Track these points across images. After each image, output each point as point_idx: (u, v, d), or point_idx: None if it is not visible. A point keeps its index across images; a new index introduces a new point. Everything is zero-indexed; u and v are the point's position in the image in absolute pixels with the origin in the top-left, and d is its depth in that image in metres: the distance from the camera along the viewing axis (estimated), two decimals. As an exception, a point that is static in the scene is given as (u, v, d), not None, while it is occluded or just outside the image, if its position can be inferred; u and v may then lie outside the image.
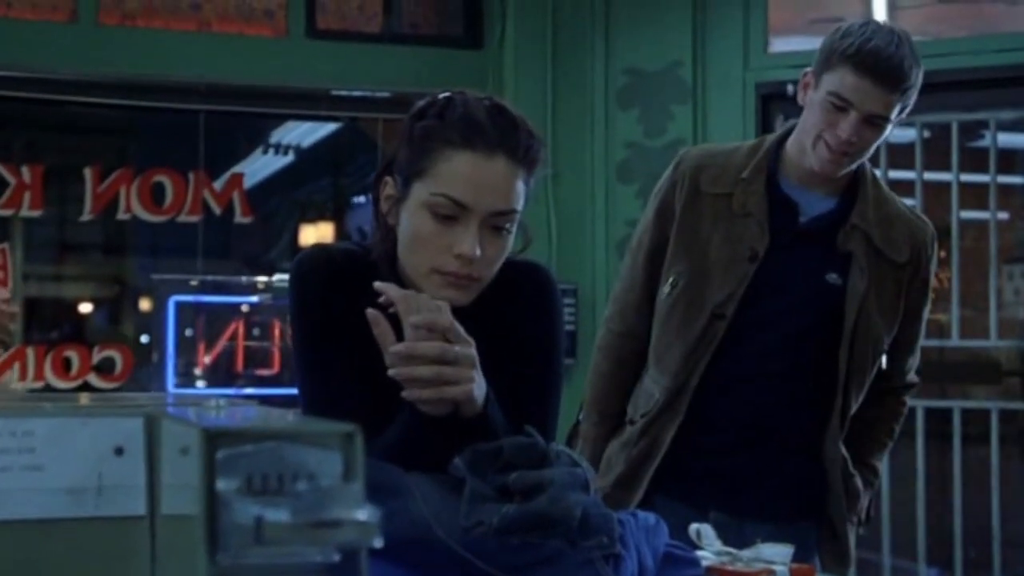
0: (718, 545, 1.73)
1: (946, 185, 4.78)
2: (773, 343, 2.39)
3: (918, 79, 2.31)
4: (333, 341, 1.66)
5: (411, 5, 5.40)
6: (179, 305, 6.04)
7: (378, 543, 0.83)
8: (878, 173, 2.57)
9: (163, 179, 5.19)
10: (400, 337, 1.55)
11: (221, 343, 6.07)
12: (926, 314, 2.54)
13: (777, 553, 1.70)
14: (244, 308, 6.19)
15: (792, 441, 2.42)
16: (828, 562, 2.43)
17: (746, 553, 1.70)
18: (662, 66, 4.96)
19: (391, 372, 1.54)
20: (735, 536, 1.87)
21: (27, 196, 5.02)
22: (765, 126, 4.73)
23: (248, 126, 7.20)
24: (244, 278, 6.48)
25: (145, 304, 7.51)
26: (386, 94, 5.23)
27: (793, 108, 2.57)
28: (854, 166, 2.39)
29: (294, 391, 1.72)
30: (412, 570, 1.39)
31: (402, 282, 1.67)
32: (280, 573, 0.85)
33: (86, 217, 5.24)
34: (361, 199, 7.28)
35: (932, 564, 4.78)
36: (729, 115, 4.85)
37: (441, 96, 1.68)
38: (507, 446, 1.52)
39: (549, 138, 4.53)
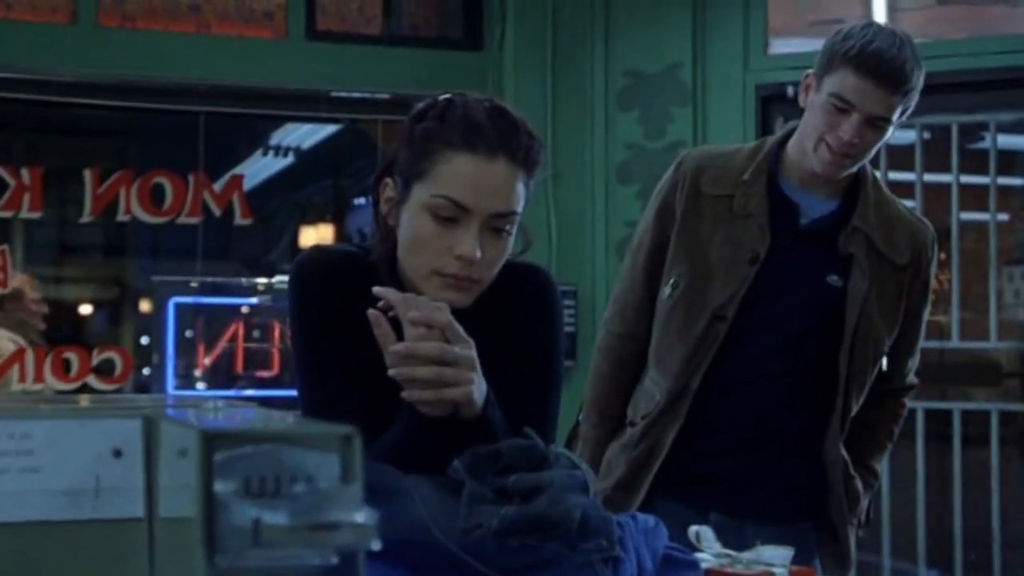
0: (717, 547, 1.73)
1: (946, 187, 4.78)
2: (774, 345, 2.39)
3: (919, 81, 2.31)
4: (332, 343, 1.66)
5: (411, 7, 5.40)
6: (179, 307, 6.04)
7: (376, 545, 0.83)
8: (878, 175, 2.57)
9: (163, 181, 5.18)
10: (401, 339, 1.55)
11: (221, 345, 6.07)
12: (926, 316, 2.54)
13: (777, 555, 1.70)
14: (244, 310, 6.20)
15: (793, 442, 2.42)
16: (829, 564, 2.43)
17: (745, 555, 1.70)
18: (662, 68, 4.96)
19: (391, 372, 1.54)
20: (736, 538, 1.87)
21: (27, 198, 5.01)
22: (765, 128, 4.74)
23: (248, 128, 7.21)
24: (244, 280, 6.49)
25: (145, 306, 7.52)
26: (386, 96, 5.23)
27: (793, 110, 2.57)
28: (855, 168, 2.39)
29: (294, 393, 1.72)
30: (411, 572, 1.39)
31: (402, 284, 1.67)
32: (278, 575, 0.84)
33: (86, 219, 5.23)
34: (361, 201, 7.29)
35: (932, 566, 4.78)
36: (729, 117, 4.86)
37: (442, 98, 1.68)
38: (506, 448, 1.52)
39: (549, 140, 4.53)
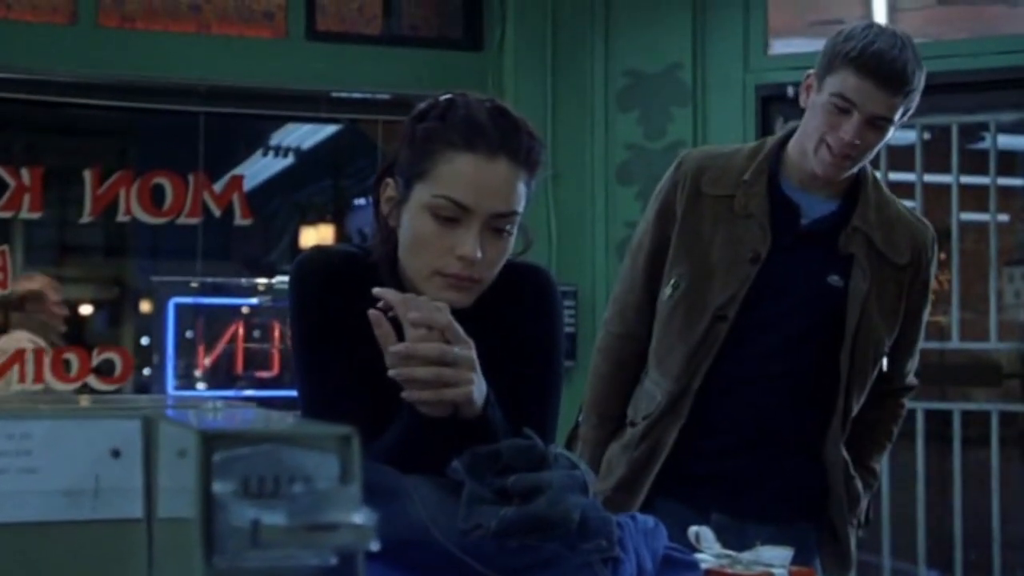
0: (717, 547, 1.73)
1: (946, 187, 4.78)
2: (775, 345, 2.38)
3: (920, 82, 2.31)
4: (332, 343, 1.66)
5: (411, 7, 5.40)
6: (179, 307, 6.04)
7: (375, 546, 0.83)
8: (878, 175, 2.57)
9: (163, 181, 5.18)
10: (401, 340, 1.55)
11: (221, 345, 6.07)
12: (926, 316, 2.54)
13: (776, 556, 1.70)
14: (244, 310, 6.20)
15: (793, 442, 2.42)
16: (829, 564, 2.43)
17: (745, 556, 1.70)
18: (662, 68, 4.96)
19: (391, 372, 1.54)
20: (736, 538, 1.86)
21: (27, 198, 4.99)
22: (765, 128, 4.73)
23: (248, 128, 7.21)
24: (244, 280, 6.49)
25: (145, 306, 7.52)
26: (386, 96, 5.22)
27: (793, 110, 2.57)
28: (855, 169, 2.39)
29: (294, 393, 1.72)
30: (410, 573, 1.39)
31: (402, 284, 1.66)
32: (277, 576, 0.84)
33: (86, 219, 5.22)
34: (361, 201, 7.30)
35: (932, 566, 4.78)
36: (729, 117, 4.86)
37: (442, 98, 1.68)
38: (506, 448, 1.52)
39: (549, 140, 4.53)
